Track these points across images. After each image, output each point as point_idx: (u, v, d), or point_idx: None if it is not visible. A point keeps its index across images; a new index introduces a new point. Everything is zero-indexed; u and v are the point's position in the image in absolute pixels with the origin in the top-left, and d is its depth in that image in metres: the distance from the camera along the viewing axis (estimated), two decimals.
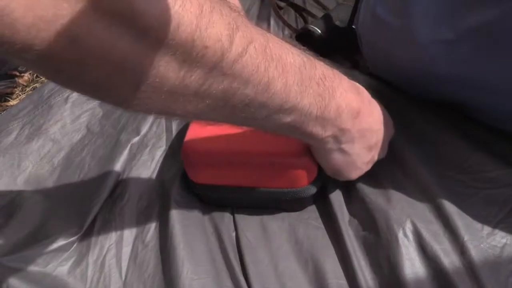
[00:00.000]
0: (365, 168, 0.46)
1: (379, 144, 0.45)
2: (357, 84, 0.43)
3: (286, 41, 0.34)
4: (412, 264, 0.41)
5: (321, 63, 0.37)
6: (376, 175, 0.48)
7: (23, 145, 0.59)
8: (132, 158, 0.56)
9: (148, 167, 0.56)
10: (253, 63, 0.30)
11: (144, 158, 0.57)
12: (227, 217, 0.50)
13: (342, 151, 0.42)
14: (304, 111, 0.35)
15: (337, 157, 0.43)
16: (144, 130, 0.60)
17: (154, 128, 0.61)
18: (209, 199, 0.51)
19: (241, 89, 0.30)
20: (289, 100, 0.33)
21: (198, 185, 0.49)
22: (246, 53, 0.29)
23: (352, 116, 0.40)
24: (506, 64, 0.41)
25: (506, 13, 0.38)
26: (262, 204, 0.49)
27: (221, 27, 0.27)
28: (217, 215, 0.50)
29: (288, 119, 0.35)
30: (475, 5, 0.41)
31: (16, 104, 0.67)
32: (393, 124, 0.47)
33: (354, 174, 0.46)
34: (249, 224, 0.48)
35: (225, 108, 0.31)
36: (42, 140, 0.59)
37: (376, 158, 0.46)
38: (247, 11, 0.89)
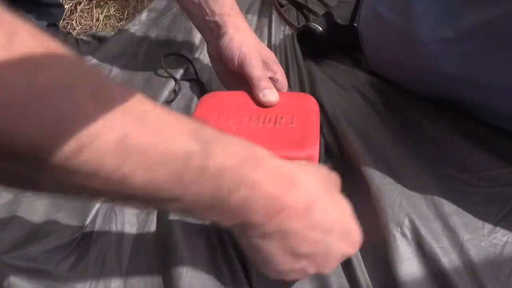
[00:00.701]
0: (290, 275, 0.36)
1: (317, 259, 0.35)
2: (307, 175, 0.35)
3: (185, 123, 0.29)
4: (411, 263, 0.41)
5: (229, 147, 0.30)
6: (375, 172, 0.48)
7: None
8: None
9: None
10: (97, 161, 0.25)
11: None
12: None
13: (253, 245, 0.34)
14: (190, 204, 0.30)
15: (248, 248, 0.35)
16: None
17: None
18: None
19: (88, 184, 0.26)
20: (160, 193, 0.28)
21: None
22: (86, 150, 0.24)
23: (269, 212, 0.32)
24: (506, 62, 0.41)
25: (506, 12, 0.38)
26: None
27: None
28: None
29: (173, 207, 0.30)
30: (475, 4, 0.41)
31: None
32: (357, 241, 0.37)
33: (274, 275, 0.37)
34: None
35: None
36: None
37: (310, 271, 0.36)
38: (249, 9, 0.88)
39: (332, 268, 0.37)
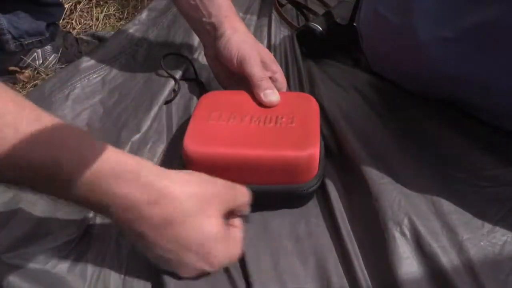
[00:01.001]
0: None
1: (172, 264, 0.40)
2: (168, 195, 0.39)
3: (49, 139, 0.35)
4: (410, 263, 0.41)
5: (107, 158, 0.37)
6: (375, 172, 0.48)
7: None
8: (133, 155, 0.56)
9: None
10: None
11: (144, 155, 0.57)
12: None
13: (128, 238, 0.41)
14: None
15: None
16: (145, 127, 0.60)
17: (155, 125, 0.61)
18: None
19: None
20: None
21: None
22: None
23: (126, 217, 0.38)
24: (505, 62, 0.41)
25: (505, 12, 0.39)
26: (263, 201, 0.49)
27: None
28: None
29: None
30: (474, 4, 0.41)
31: None
32: (216, 263, 0.41)
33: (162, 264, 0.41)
34: (250, 221, 0.48)
35: None
36: None
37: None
38: (248, 8, 0.88)
39: (188, 275, 0.41)
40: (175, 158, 0.55)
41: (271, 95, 0.52)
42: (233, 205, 0.43)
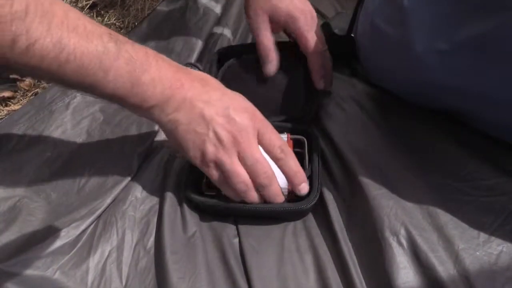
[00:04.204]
0: (204, 145, 0.45)
1: (218, 118, 0.45)
2: (182, 67, 0.48)
3: (96, 25, 0.41)
4: (407, 272, 0.41)
5: (134, 46, 0.43)
6: (371, 182, 0.49)
7: (24, 151, 0.59)
8: (134, 163, 0.56)
9: (150, 172, 0.56)
10: (41, 54, 0.38)
11: (146, 163, 0.57)
12: (229, 224, 0.50)
13: (171, 121, 0.45)
14: (112, 86, 0.42)
15: (170, 128, 0.46)
16: (146, 136, 0.61)
17: (159, 133, 0.62)
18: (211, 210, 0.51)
19: (38, 72, 0.39)
20: (87, 78, 0.41)
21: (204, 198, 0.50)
22: (35, 43, 0.37)
23: (172, 86, 0.44)
24: (501, 74, 0.42)
25: (500, 25, 0.39)
26: (263, 217, 0.50)
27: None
28: (218, 222, 0.51)
29: (100, 92, 0.42)
30: (469, 17, 0.42)
31: (18, 110, 0.67)
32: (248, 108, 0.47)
33: (193, 150, 0.46)
34: (252, 230, 0.49)
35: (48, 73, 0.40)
36: (43, 145, 0.60)
37: (220, 132, 0.45)
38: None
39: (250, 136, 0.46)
40: (178, 166, 0.56)
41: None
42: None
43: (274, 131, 0.47)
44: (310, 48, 0.57)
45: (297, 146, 0.54)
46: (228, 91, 0.48)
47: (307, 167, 0.51)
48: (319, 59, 0.58)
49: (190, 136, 0.45)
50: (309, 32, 0.57)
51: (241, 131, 0.45)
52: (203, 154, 0.45)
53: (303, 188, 0.48)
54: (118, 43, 0.42)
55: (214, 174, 0.46)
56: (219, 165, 0.45)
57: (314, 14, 0.59)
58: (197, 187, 0.51)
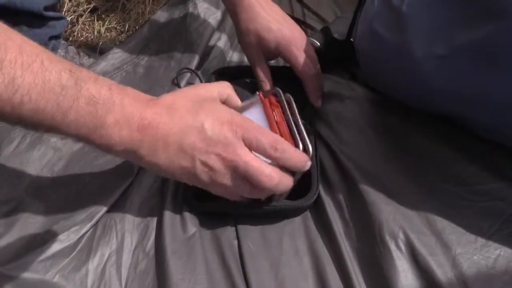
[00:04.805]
0: (198, 177, 0.43)
1: (198, 146, 0.42)
2: (151, 97, 0.43)
3: (55, 61, 0.38)
4: (405, 276, 0.42)
5: (97, 82, 0.39)
6: (370, 187, 0.49)
7: (24, 154, 0.59)
8: (134, 166, 0.57)
9: (150, 175, 0.56)
10: None
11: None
12: (228, 226, 0.50)
13: (151, 164, 0.43)
14: (73, 128, 0.39)
15: (154, 170, 0.43)
16: None
17: None
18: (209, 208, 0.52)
19: None
20: (45, 121, 0.37)
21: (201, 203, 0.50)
22: None
23: (140, 127, 0.40)
24: (499, 79, 0.42)
25: (498, 30, 0.39)
26: (260, 214, 0.50)
27: None
28: (217, 224, 0.51)
29: (65, 132, 0.39)
30: (467, 22, 0.42)
31: None
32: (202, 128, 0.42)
33: (189, 182, 0.45)
34: (251, 233, 0.49)
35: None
36: (43, 148, 0.60)
37: (207, 160, 0.42)
38: None
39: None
40: None
41: None
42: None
43: (258, 129, 0.43)
44: (304, 72, 0.60)
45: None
46: (197, 103, 0.43)
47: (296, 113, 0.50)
48: (313, 81, 0.61)
49: (179, 173, 0.43)
50: (301, 57, 0.60)
51: (226, 148, 0.42)
52: (201, 183, 0.44)
53: (308, 165, 0.45)
54: (78, 80, 0.38)
55: (218, 191, 0.45)
56: (219, 185, 0.44)
57: (304, 37, 0.62)
58: (196, 189, 0.51)
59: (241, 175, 0.42)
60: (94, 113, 0.39)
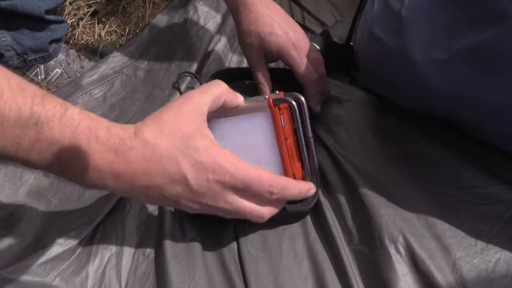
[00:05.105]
0: (189, 210, 0.41)
1: (183, 196, 0.39)
2: (122, 142, 0.38)
3: (17, 93, 0.35)
4: (405, 280, 0.42)
5: (61, 120, 0.36)
6: (370, 191, 0.49)
7: None
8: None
9: None
10: None
11: None
12: (228, 230, 0.50)
13: (137, 198, 0.41)
14: (40, 166, 0.37)
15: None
16: None
17: None
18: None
19: None
20: (8, 154, 0.36)
21: None
22: None
23: (112, 176, 0.38)
24: (498, 83, 0.42)
25: (498, 35, 0.40)
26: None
27: None
28: (217, 228, 0.51)
29: (36, 167, 0.37)
30: (468, 27, 0.42)
31: None
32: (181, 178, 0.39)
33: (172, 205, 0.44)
34: (250, 236, 0.49)
35: None
36: None
37: (193, 207, 0.40)
38: None
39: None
40: None
41: None
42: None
43: (247, 173, 0.39)
44: (305, 78, 0.59)
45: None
46: (179, 141, 0.38)
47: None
48: (314, 86, 0.60)
49: (164, 205, 0.43)
50: (302, 63, 0.59)
51: (214, 198, 0.39)
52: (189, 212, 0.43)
53: (311, 192, 0.44)
54: (40, 119, 0.35)
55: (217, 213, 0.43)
56: (211, 212, 0.42)
57: (307, 41, 0.61)
58: None
59: (231, 214, 0.41)
60: (58, 155, 0.36)
